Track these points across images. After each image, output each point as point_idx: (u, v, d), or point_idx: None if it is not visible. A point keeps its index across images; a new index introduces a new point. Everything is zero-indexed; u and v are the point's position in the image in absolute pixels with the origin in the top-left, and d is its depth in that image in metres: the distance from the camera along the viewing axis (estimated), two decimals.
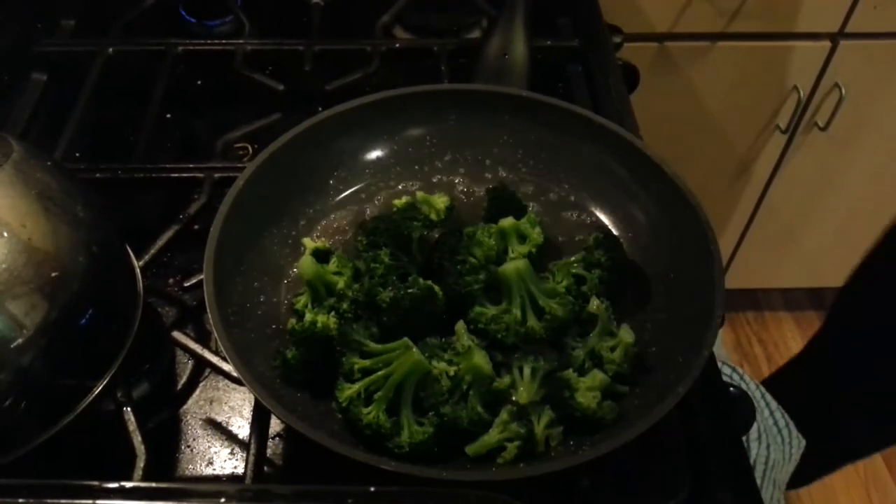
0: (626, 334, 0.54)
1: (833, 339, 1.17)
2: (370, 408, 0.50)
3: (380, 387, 0.51)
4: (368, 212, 0.66)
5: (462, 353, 0.52)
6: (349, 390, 0.51)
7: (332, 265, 0.58)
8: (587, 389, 0.51)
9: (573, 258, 0.60)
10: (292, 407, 0.51)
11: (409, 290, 0.54)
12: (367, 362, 0.52)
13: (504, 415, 0.51)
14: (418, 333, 0.54)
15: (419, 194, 0.64)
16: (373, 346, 0.52)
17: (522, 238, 0.61)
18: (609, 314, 0.56)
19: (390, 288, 0.54)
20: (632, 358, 0.54)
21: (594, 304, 0.56)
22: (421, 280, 0.55)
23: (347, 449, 0.46)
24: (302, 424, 0.47)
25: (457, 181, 0.68)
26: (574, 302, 0.56)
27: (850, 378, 1.11)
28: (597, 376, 0.52)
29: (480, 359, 0.51)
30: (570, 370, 0.52)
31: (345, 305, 0.56)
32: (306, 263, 0.56)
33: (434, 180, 0.68)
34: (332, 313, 0.55)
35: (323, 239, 0.63)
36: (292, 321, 0.56)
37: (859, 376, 1.09)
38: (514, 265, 0.56)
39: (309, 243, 0.60)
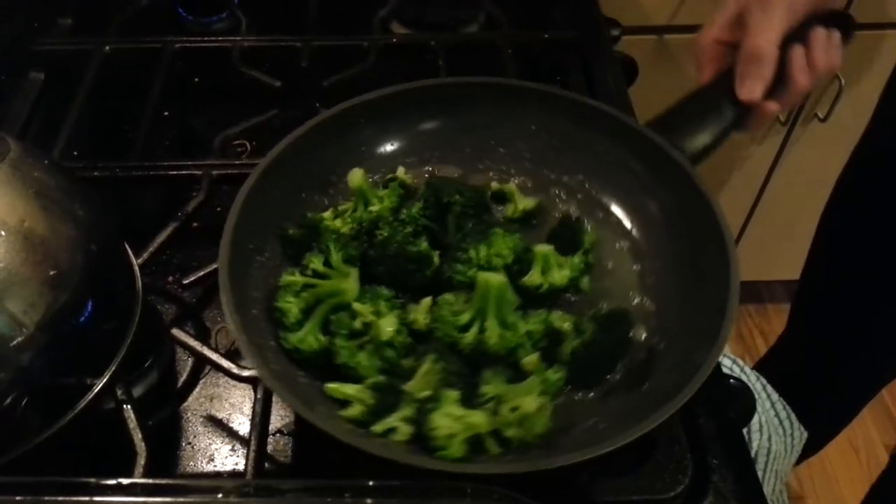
0: (531, 403, 0.49)
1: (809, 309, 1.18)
2: (291, 300, 0.54)
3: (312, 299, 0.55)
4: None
5: (387, 312, 0.54)
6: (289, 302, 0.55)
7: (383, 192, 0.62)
8: (446, 417, 0.48)
9: (566, 316, 0.56)
10: (291, 388, 0.51)
11: (404, 242, 0.56)
12: (306, 279, 0.56)
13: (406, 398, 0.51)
14: (404, 292, 0.57)
15: (509, 186, 0.65)
16: (323, 269, 0.56)
17: (558, 266, 0.58)
18: (542, 376, 0.51)
19: (392, 230, 0.57)
20: (523, 433, 0.49)
21: (532, 360, 0.52)
22: (424, 243, 0.57)
23: (332, 425, 0.46)
24: (294, 399, 0.47)
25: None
26: (520, 346, 0.53)
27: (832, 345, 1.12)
28: (471, 417, 0.49)
29: (385, 324, 0.53)
30: (458, 393, 0.50)
31: (348, 228, 0.60)
32: (357, 174, 0.61)
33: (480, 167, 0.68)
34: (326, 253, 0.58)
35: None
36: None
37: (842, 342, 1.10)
38: (491, 277, 0.53)
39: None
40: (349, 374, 0.52)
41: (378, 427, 0.50)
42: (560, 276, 0.58)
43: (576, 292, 0.59)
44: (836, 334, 1.11)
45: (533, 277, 0.58)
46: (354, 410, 0.51)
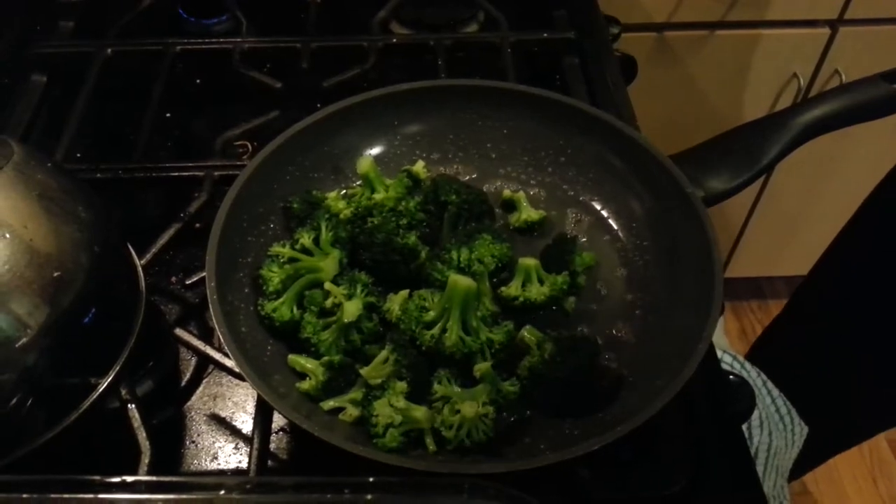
0: (470, 409, 0.50)
1: (813, 300, 1.17)
2: (275, 269, 0.56)
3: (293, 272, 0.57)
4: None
5: (357, 296, 0.55)
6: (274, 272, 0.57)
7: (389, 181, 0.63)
8: (388, 406, 0.49)
9: (535, 332, 0.55)
10: (284, 394, 0.52)
11: (392, 232, 0.57)
12: (292, 252, 0.58)
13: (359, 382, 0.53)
14: (388, 282, 0.57)
15: (518, 195, 0.65)
16: (311, 245, 0.58)
17: (539, 282, 0.58)
18: (494, 386, 0.52)
19: (383, 219, 0.58)
20: (460, 436, 0.50)
21: (482, 367, 0.52)
22: (413, 237, 0.58)
23: (331, 436, 0.46)
24: (291, 412, 0.47)
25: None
26: (477, 352, 0.54)
27: (835, 342, 1.11)
28: (413, 411, 0.49)
29: (351, 307, 0.54)
30: (406, 385, 0.51)
31: (349, 211, 0.61)
32: (366, 161, 0.62)
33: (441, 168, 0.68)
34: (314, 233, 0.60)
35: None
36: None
37: (843, 342, 1.09)
38: (461, 280, 0.53)
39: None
40: (312, 350, 0.54)
41: (325, 404, 0.52)
42: (538, 291, 0.57)
43: (558, 311, 0.58)
44: (844, 330, 1.09)
45: (511, 289, 0.57)
46: (307, 384, 0.52)
